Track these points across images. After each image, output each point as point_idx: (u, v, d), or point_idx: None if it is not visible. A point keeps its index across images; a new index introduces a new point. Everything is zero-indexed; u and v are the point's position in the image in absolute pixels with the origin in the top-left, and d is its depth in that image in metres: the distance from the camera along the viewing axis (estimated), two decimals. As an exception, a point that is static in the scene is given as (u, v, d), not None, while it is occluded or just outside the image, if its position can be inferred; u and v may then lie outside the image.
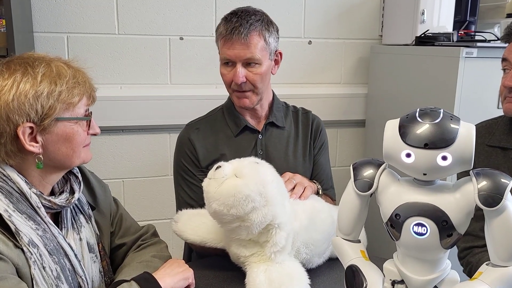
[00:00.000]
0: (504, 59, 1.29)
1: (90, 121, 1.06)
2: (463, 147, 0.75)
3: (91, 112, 1.07)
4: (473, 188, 0.78)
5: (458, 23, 2.15)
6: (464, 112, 1.80)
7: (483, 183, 0.78)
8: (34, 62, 0.98)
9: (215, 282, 1.20)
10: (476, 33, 2.08)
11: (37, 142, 0.98)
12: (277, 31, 1.46)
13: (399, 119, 0.81)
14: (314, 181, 1.47)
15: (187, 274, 1.12)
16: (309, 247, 1.17)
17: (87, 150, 1.08)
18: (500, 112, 1.38)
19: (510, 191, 0.77)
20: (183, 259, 1.54)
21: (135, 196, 2.27)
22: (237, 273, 1.18)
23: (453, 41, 1.94)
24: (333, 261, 1.29)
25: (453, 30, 2.11)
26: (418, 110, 0.80)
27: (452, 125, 0.76)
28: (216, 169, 1.08)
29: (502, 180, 0.78)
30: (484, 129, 1.40)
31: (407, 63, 2.12)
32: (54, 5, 2.03)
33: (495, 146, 1.34)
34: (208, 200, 1.08)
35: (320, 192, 1.44)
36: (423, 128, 0.76)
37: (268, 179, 1.08)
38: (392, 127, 0.80)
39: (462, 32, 2.05)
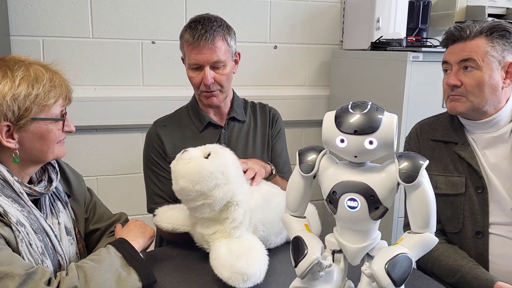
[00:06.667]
0: (445, 62, 1.43)
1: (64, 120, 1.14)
2: (385, 133, 0.89)
3: (66, 112, 1.15)
4: (395, 168, 0.92)
5: (411, 29, 2.32)
6: (411, 110, 1.96)
7: (404, 164, 0.92)
8: (14, 65, 1.06)
9: (183, 263, 1.32)
10: (427, 39, 2.26)
11: (13, 139, 1.06)
12: (235, 33, 1.59)
13: (335, 110, 0.95)
14: (268, 162, 1.59)
15: (152, 232, 1.28)
16: (265, 225, 1.29)
17: (61, 146, 1.16)
18: (444, 110, 1.52)
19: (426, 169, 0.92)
20: (155, 247, 1.65)
21: (108, 193, 2.35)
22: (201, 253, 1.29)
23: (402, 46, 2.11)
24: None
25: (406, 36, 2.27)
26: (351, 103, 0.94)
27: (377, 115, 0.90)
28: (183, 152, 1.20)
29: (419, 161, 0.92)
30: (428, 125, 1.54)
31: (364, 67, 2.27)
32: (30, 9, 2.10)
33: (438, 140, 1.48)
34: (175, 178, 1.19)
35: (274, 172, 1.55)
36: (354, 118, 0.90)
37: (229, 162, 1.21)
38: (329, 117, 0.94)
39: (413, 38, 2.21)
